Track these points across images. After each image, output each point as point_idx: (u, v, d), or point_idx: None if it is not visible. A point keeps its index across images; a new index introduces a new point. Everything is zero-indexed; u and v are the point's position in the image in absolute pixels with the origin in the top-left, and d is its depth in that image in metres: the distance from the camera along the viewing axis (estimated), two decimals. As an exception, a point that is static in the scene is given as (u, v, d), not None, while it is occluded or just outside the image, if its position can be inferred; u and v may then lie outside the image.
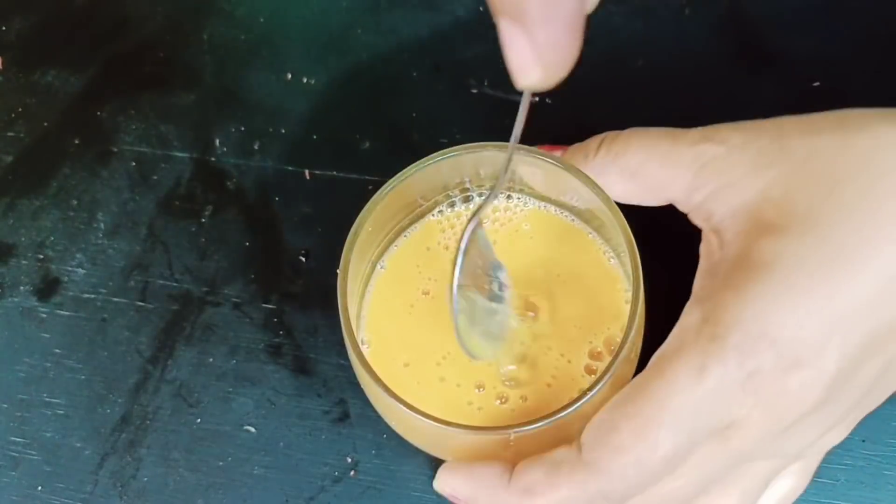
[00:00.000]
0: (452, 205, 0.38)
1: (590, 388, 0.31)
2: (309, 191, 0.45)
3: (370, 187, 0.44)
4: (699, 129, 0.35)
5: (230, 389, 0.41)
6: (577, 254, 0.37)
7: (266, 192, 0.45)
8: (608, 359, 0.34)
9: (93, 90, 0.48)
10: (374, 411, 0.39)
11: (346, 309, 0.34)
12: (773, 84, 0.45)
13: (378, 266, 0.38)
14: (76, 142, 0.47)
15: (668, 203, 0.35)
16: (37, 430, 0.41)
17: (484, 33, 0.48)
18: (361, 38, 0.48)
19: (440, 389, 0.35)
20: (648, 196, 0.35)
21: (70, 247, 0.45)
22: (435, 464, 0.40)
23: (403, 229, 0.38)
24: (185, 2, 0.50)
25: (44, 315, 0.43)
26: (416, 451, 0.40)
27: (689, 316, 0.31)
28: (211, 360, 0.42)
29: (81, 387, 0.42)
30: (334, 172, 0.45)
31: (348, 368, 0.41)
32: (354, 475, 0.40)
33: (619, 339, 0.33)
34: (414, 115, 0.46)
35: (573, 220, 0.38)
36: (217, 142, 0.46)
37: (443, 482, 0.33)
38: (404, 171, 0.35)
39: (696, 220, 0.34)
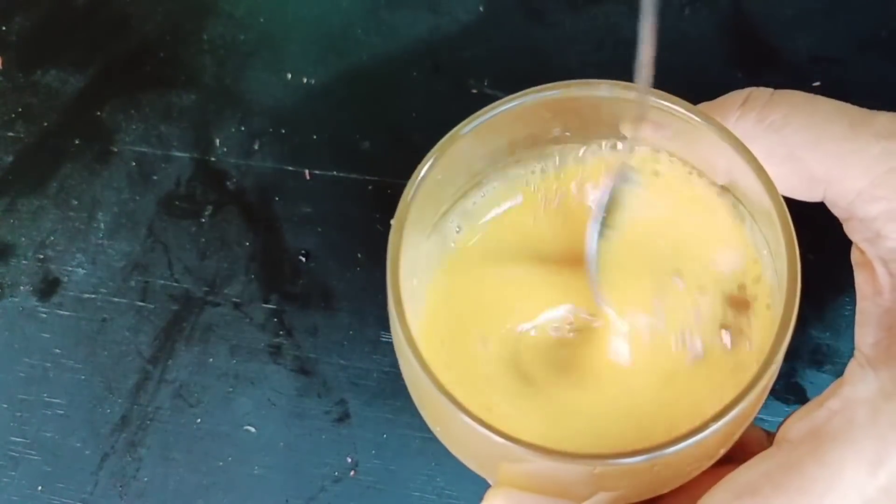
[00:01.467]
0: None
1: (723, 412, 0.23)
2: (309, 191, 0.45)
3: (370, 187, 0.44)
4: (890, 115, 0.27)
5: (230, 389, 0.41)
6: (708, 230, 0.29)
7: (266, 193, 0.45)
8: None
9: (93, 90, 0.48)
10: (375, 410, 0.39)
11: (396, 260, 0.27)
12: (772, 84, 0.45)
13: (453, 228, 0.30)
14: (76, 142, 0.47)
15: (822, 201, 0.28)
16: (37, 430, 0.41)
17: (484, 33, 0.48)
18: (361, 38, 0.48)
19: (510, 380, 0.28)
20: (801, 188, 0.28)
21: (70, 247, 0.45)
22: (438, 466, 0.39)
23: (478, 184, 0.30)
24: (186, 2, 0.50)
25: (44, 315, 0.43)
26: (417, 452, 0.40)
27: (862, 384, 0.25)
28: (211, 360, 0.42)
29: (81, 387, 0.42)
30: (334, 172, 0.45)
31: (348, 368, 0.41)
32: (354, 475, 0.40)
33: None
34: (414, 115, 0.46)
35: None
36: (217, 142, 0.46)
37: None
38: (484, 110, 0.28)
39: (855, 235, 0.27)
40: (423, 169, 0.27)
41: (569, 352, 0.29)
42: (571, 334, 0.29)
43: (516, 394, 0.28)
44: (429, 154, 0.28)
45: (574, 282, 0.28)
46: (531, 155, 0.30)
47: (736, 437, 0.26)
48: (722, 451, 0.26)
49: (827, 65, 0.45)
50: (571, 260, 0.28)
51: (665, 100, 0.27)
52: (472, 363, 0.29)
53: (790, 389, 0.40)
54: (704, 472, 0.27)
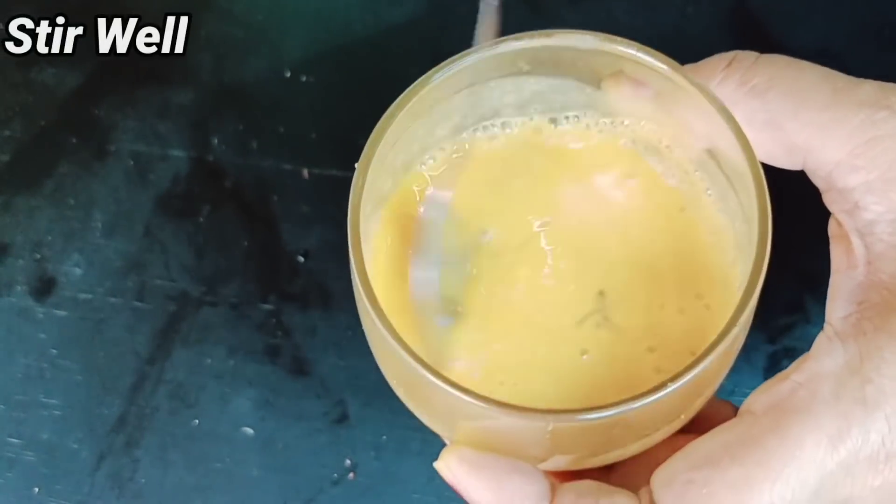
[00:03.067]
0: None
1: (687, 370, 0.23)
2: (308, 190, 0.45)
3: (369, 186, 0.44)
4: (876, 83, 0.26)
5: (228, 390, 0.41)
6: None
7: (264, 191, 0.45)
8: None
9: (89, 88, 0.48)
10: (374, 411, 0.39)
11: (356, 210, 0.26)
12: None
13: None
14: (73, 140, 0.46)
15: (802, 169, 0.27)
16: (33, 430, 0.41)
17: (484, 30, 0.47)
18: (360, 34, 0.48)
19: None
20: (782, 155, 0.27)
21: (66, 246, 0.44)
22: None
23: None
24: (183, -1, 0.50)
25: (40, 315, 0.43)
26: (417, 453, 0.39)
27: (828, 358, 0.24)
28: (209, 360, 0.42)
29: (78, 387, 0.42)
30: (333, 171, 0.45)
31: (347, 369, 0.41)
32: (353, 477, 0.40)
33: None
34: (413, 112, 0.46)
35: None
36: (215, 140, 0.46)
37: (454, 475, 0.25)
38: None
39: (833, 206, 0.27)
40: (392, 109, 0.28)
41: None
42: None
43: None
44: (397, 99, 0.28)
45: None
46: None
47: (697, 403, 0.26)
48: (683, 417, 0.26)
49: (830, 59, 0.44)
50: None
51: (648, 55, 0.26)
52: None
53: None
54: (664, 442, 0.26)
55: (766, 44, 0.45)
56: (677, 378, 0.23)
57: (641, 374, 0.26)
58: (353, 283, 0.26)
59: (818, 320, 0.40)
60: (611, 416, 0.23)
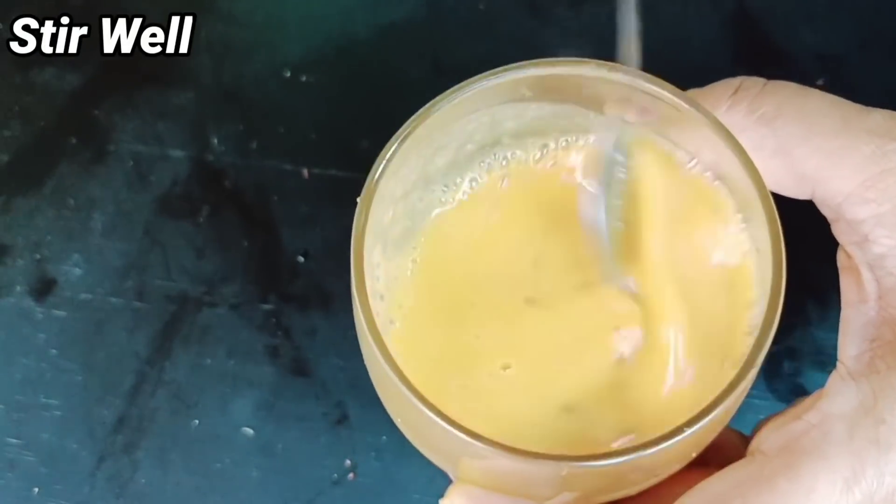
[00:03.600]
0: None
1: (702, 414, 0.22)
2: (308, 190, 0.45)
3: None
4: (886, 113, 0.26)
5: (228, 391, 0.41)
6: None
7: (264, 192, 0.45)
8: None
9: (89, 89, 0.48)
10: (374, 412, 0.39)
11: (361, 235, 0.26)
12: (776, 82, 0.45)
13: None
14: (72, 141, 0.46)
15: (810, 199, 0.27)
16: (33, 431, 0.41)
17: (484, 31, 0.47)
18: (360, 36, 0.48)
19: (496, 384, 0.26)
20: (791, 185, 0.26)
21: (66, 247, 0.44)
22: (438, 469, 0.39)
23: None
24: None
25: (40, 316, 0.43)
26: (417, 454, 0.39)
27: (841, 397, 0.24)
28: (208, 361, 0.42)
29: (78, 388, 0.42)
30: (333, 171, 0.45)
31: (347, 370, 0.41)
32: (353, 478, 0.39)
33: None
34: (413, 113, 0.46)
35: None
36: (215, 141, 0.46)
37: None
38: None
39: (842, 238, 0.27)
40: (391, 149, 0.27)
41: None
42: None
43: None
44: (400, 129, 0.27)
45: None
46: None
47: (709, 440, 0.26)
48: (694, 454, 0.26)
49: (831, 62, 0.44)
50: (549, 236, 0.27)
51: (652, 83, 0.26)
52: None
53: (795, 391, 0.40)
54: (674, 475, 0.26)
55: (766, 46, 0.46)
56: (693, 423, 0.23)
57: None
58: (353, 305, 0.25)
59: (819, 322, 0.40)
60: (625, 461, 0.23)
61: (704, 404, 0.23)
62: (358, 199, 0.26)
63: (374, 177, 0.26)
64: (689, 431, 0.23)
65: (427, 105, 0.27)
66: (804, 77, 0.44)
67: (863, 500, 0.23)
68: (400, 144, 0.27)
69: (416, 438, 0.28)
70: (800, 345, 0.40)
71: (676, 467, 0.26)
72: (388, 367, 0.24)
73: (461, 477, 0.26)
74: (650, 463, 0.24)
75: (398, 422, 0.28)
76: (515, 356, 0.27)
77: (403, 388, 0.24)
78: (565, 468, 0.23)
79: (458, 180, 0.29)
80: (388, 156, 0.27)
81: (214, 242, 0.44)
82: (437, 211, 0.29)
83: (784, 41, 0.45)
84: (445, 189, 0.29)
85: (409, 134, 0.27)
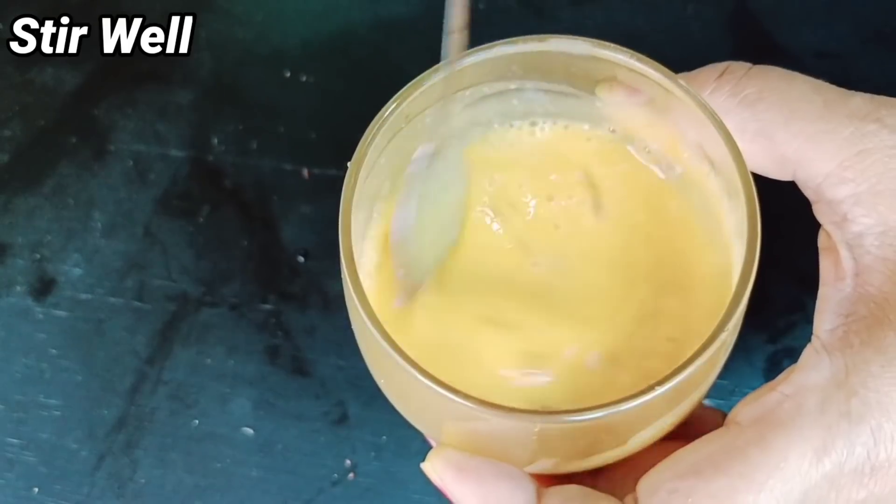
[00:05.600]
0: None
1: (674, 373, 0.23)
2: (307, 190, 0.44)
3: (369, 186, 0.44)
4: (866, 96, 0.26)
5: (228, 391, 0.41)
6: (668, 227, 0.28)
7: (264, 191, 0.45)
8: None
9: (89, 88, 0.48)
10: (374, 412, 0.39)
11: (348, 209, 0.27)
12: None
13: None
14: (72, 140, 0.46)
15: (792, 180, 0.27)
16: (33, 431, 0.41)
17: (484, 29, 0.47)
18: (360, 35, 0.48)
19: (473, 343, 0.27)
20: (772, 166, 0.27)
21: (66, 246, 0.44)
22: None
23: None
24: (183, -1, 0.50)
25: (40, 315, 0.43)
26: (417, 453, 0.39)
27: (815, 370, 0.24)
28: (208, 360, 0.42)
29: (78, 388, 0.42)
30: (333, 171, 0.45)
31: (347, 369, 0.41)
32: (353, 477, 0.39)
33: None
34: (413, 112, 0.46)
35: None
36: (215, 140, 0.46)
37: (440, 477, 0.27)
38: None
39: (822, 218, 0.27)
40: (386, 112, 0.28)
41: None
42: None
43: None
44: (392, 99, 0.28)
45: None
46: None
47: (685, 407, 0.26)
48: (671, 422, 0.26)
49: (831, 60, 0.44)
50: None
51: (642, 62, 0.26)
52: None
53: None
54: (652, 448, 0.27)
55: (766, 44, 0.45)
56: (664, 382, 0.23)
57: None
58: (343, 279, 0.26)
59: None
60: (597, 418, 0.23)
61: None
62: (348, 164, 0.27)
63: (366, 140, 0.28)
64: (660, 390, 0.23)
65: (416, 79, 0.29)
66: (804, 74, 0.44)
67: (832, 470, 0.23)
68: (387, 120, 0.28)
69: (399, 400, 0.28)
70: (798, 343, 0.40)
71: (653, 434, 0.26)
72: (368, 321, 0.25)
73: (443, 441, 0.27)
74: (624, 422, 0.24)
75: (381, 383, 0.28)
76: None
77: (385, 345, 0.24)
78: (538, 423, 0.23)
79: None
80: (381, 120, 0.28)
81: (214, 242, 0.44)
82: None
83: (785, 38, 0.45)
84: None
85: (395, 109, 0.28)
